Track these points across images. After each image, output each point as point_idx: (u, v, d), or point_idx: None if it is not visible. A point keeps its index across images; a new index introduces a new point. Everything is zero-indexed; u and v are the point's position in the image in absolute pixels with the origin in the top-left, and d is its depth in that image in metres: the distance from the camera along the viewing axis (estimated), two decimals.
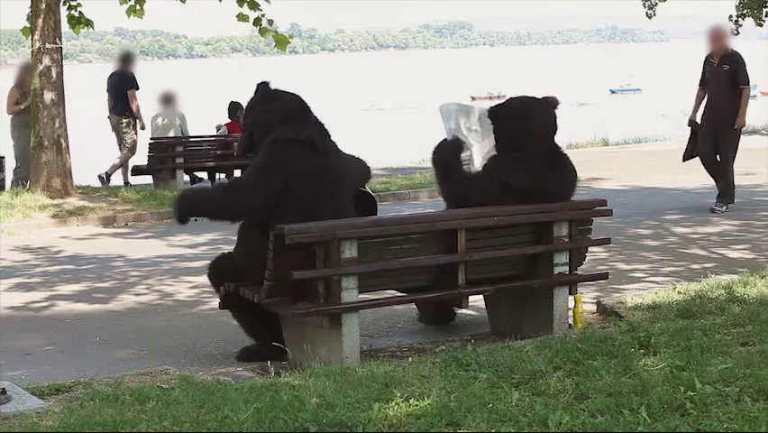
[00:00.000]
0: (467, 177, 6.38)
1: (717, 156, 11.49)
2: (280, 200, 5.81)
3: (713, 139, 11.42)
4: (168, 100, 15.46)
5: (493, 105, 6.56)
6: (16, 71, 14.00)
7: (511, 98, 6.54)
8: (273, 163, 5.91)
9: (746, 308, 6.03)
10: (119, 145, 15.08)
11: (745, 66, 11.34)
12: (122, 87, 14.88)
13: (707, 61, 11.66)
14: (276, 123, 6.02)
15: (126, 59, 15.37)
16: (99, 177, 14.94)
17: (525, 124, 6.25)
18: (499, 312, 6.65)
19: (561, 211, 6.27)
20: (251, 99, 6.27)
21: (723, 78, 11.33)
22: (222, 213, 6.18)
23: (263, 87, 6.24)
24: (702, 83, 11.66)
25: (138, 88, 14.92)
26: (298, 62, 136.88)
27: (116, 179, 15.35)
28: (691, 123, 11.68)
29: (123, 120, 14.88)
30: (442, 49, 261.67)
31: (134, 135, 15.04)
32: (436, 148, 6.49)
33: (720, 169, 11.49)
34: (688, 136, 11.87)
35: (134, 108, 14.89)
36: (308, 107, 6.21)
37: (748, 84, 11.38)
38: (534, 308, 6.38)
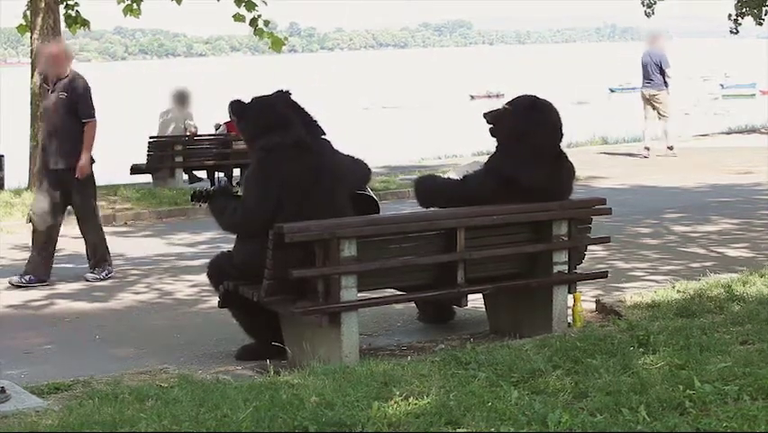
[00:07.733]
0: (454, 180, 6.40)
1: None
2: (279, 204, 5.81)
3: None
4: (180, 99, 15.34)
5: (488, 110, 6.56)
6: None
7: (510, 101, 6.51)
8: (265, 172, 5.90)
9: (746, 306, 6.04)
10: (659, 116, 17.06)
11: (87, 95, 8.78)
12: (651, 63, 16.89)
13: (41, 86, 9.56)
14: (260, 131, 6.01)
15: (654, 40, 17.28)
16: (669, 147, 16.88)
17: (524, 121, 6.24)
18: (499, 311, 6.64)
19: (560, 210, 6.27)
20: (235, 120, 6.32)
21: (61, 108, 8.69)
22: (244, 232, 6.11)
23: (236, 104, 6.20)
24: (41, 114, 9.38)
25: (669, 66, 16.85)
26: (298, 61, 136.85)
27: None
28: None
29: (659, 93, 16.89)
30: (441, 47, 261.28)
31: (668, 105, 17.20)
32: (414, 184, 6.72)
33: (83, 230, 8.95)
34: None
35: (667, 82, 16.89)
36: (293, 107, 6.14)
37: (93, 117, 8.71)
38: (534, 306, 6.38)
